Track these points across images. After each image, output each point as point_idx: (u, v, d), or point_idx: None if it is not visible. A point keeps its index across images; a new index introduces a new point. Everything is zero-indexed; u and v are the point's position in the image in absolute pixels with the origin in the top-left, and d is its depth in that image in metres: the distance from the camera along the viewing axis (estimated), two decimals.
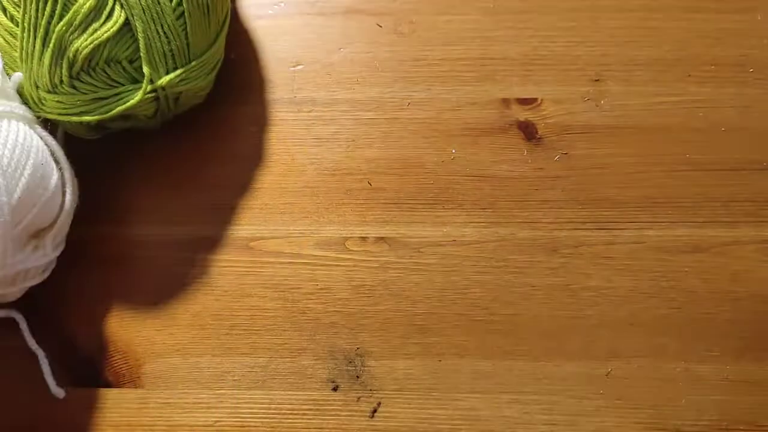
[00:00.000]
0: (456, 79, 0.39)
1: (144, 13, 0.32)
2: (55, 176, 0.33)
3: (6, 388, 0.35)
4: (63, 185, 0.34)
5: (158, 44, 0.33)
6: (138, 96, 0.33)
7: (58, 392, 0.34)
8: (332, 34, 0.40)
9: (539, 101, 0.38)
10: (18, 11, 0.32)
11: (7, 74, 0.34)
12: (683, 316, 0.35)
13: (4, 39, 0.33)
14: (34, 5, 0.32)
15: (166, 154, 0.39)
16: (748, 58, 0.38)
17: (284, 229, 0.37)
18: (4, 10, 0.33)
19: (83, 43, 0.32)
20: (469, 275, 0.36)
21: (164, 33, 0.33)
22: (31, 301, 0.35)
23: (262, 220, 0.37)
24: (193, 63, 0.34)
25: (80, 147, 0.36)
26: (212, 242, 0.37)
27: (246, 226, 0.37)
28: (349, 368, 0.35)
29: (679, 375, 0.34)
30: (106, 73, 0.33)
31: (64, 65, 0.32)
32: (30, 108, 0.34)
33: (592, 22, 0.39)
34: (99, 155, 0.38)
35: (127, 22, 0.32)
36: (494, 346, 0.35)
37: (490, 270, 0.36)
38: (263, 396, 0.34)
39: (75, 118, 0.33)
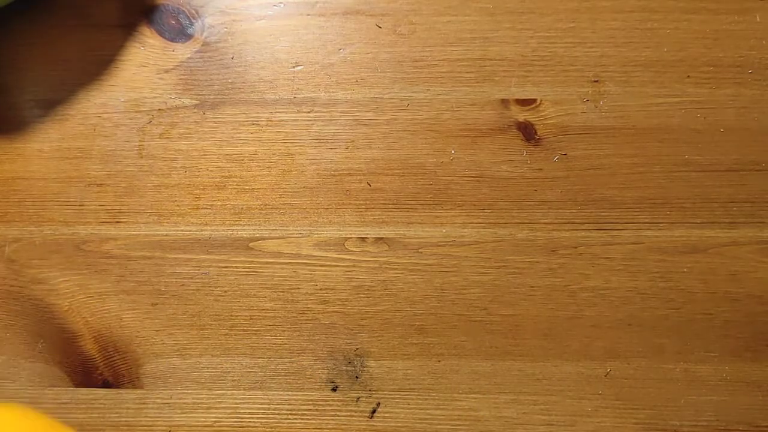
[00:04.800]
0: (455, 79, 0.39)
1: None
2: None
3: (7, 388, 0.35)
4: None
5: None
6: None
7: None
8: (332, 34, 0.40)
9: (538, 102, 0.38)
10: None
11: None
12: (682, 317, 0.35)
13: None
14: None
15: (165, 154, 0.39)
16: (747, 60, 0.38)
17: (284, 229, 0.37)
18: None
19: None
20: (468, 276, 0.36)
21: None
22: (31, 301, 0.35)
23: (262, 220, 0.37)
24: None
25: None
26: (212, 242, 0.37)
27: (246, 226, 0.37)
28: (348, 368, 0.35)
29: (677, 375, 0.34)
30: None
31: None
32: None
33: (591, 23, 0.39)
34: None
35: None
36: (493, 346, 0.35)
37: (489, 270, 0.36)
38: (262, 396, 0.34)
39: None
